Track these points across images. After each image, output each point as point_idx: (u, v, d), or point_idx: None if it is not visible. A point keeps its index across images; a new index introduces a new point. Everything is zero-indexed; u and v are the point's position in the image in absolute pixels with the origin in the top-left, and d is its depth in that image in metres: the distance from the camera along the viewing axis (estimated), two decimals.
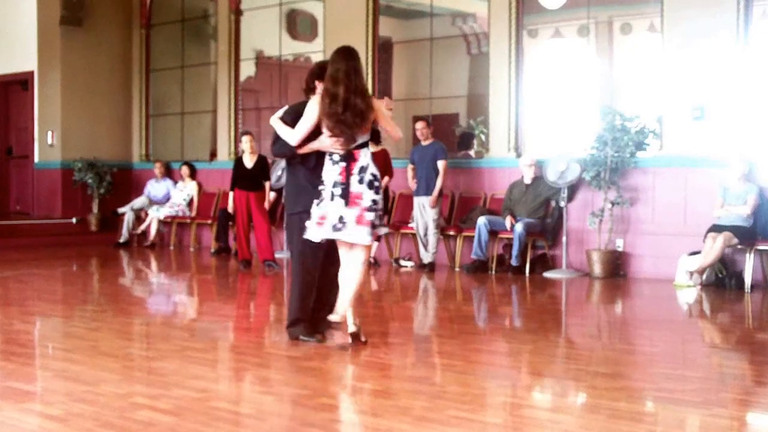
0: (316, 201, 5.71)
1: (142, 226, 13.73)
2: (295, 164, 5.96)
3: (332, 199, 5.64)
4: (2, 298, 8.39)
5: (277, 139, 5.92)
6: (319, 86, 5.88)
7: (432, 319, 7.81)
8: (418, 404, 4.46)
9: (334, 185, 5.65)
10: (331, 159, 5.72)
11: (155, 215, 13.60)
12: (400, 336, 6.78)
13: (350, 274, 5.71)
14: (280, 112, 6.00)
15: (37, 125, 14.95)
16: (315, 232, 5.68)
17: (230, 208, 10.93)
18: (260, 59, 14.10)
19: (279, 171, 12.15)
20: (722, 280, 8.97)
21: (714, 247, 8.76)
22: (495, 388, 5.01)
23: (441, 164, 10.60)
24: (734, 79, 9.33)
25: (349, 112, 5.62)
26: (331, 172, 5.69)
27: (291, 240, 6.11)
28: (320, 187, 5.72)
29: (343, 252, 5.78)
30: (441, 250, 10.92)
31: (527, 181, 10.41)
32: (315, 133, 5.78)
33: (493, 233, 10.32)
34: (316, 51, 13.03)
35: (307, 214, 5.76)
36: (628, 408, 4.46)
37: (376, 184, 5.71)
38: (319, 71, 5.98)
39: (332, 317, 5.71)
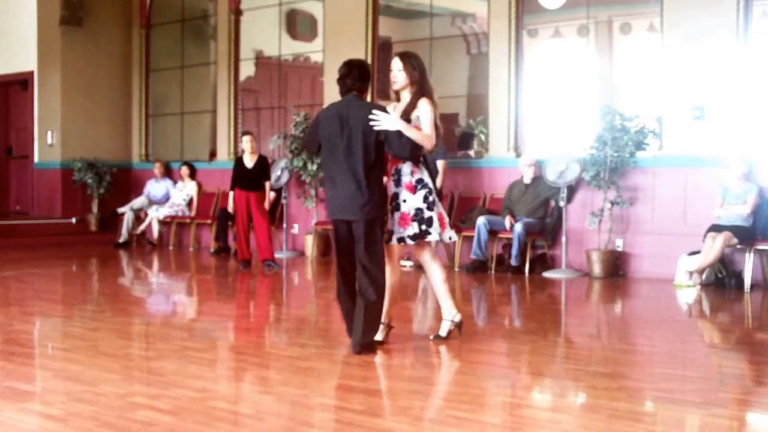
0: (424, 203, 5.78)
1: (142, 226, 13.73)
2: (381, 168, 5.78)
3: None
4: (2, 298, 8.40)
5: (401, 141, 5.63)
6: (367, 89, 5.94)
7: (431, 320, 7.80)
8: (416, 404, 4.47)
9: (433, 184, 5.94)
10: (423, 162, 5.87)
11: (155, 215, 13.61)
12: (398, 336, 6.78)
13: (437, 270, 6.05)
14: (397, 115, 5.75)
15: (36, 125, 14.95)
16: (441, 232, 5.88)
17: (230, 208, 10.93)
18: (260, 59, 14.10)
19: (279, 171, 12.17)
20: (722, 280, 8.97)
21: (714, 247, 8.76)
22: (494, 388, 5.02)
23: (440, 164, 10.59)
24: (734, 78, 9.33)
25: None
26: (426, 174, 5.87)
27: (383, 244, 5.78)
28: (424, 190, 5.79)
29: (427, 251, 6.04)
30: (440, 250, 10.91)
31: (527, 180, 10.41)
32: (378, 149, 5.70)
33: (492, 233, 10.32)
34: (316, 51, 13.03)
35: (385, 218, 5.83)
36: (628, 408, 4.46)
37: None
38: (368, 75, 5.93)
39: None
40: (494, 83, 11.00)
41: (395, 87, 5.92)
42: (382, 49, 12.33)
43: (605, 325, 7.69)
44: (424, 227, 5.81)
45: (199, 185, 13.95)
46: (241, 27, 13.83)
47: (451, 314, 6.09)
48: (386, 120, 5.58)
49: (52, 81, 14.60)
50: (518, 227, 10.01)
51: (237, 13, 13.78)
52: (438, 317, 7.83)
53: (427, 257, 6.06)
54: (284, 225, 12.52)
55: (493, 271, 10.30)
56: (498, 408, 4.65)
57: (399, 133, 5.59)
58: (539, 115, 11.09)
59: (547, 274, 10.04)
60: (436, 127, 5.80)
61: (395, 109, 5.93)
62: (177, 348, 5.86)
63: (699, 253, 8.97)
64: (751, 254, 8.85)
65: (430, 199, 5.83)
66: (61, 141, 14.55)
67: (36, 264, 11.43)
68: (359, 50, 12.07)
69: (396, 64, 5.89)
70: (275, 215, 12.33)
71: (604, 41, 11.19)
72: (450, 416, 4.22)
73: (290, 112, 12.87)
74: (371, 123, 5.57)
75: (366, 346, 5.61)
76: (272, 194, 11.17)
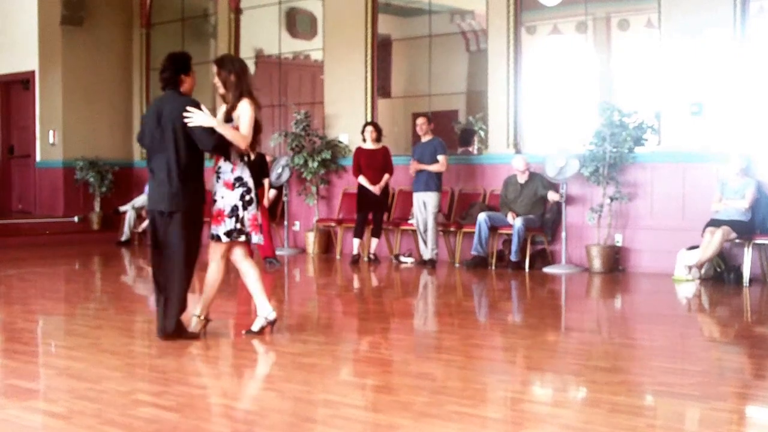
0: (240, 201, 5.97)
1: (143, 225, 13.76)
2: (199, 163, 6.14)
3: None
4: (5, 297, 8.43)
5: (204, 132, 5.81)
6: (187, 80, 5.93)
7: (432, 315, 7.84)
8: (418, 399, 4.49)
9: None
10: (247, 161, 6.02)
11: None
12: (400, 331, 6.83)
13: (250, 269, 6.22)
14: (221, 116, 5.95)
15: (38, 124, 14.98)
16: (250, 234, 6.12)
17: None
18: (260, 58, 14.12)
19: (280, 168, 12.19)
20: (721, 275, 9.00)
21: (712, 242, 8.79)
22: (495, 383, 5.05)
23: (441, 159, 10.64)
24: (732, 74, 9.34)
25: None
26: (247, 173, 6.04)
27: (197, 240, 6.14)
28: (242, 189, 5.97)
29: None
30: (441, 246, 10.95)
31: (521, 181, 10.41)
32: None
33: (492, 229, 10.34)
34: (316, 49, 13.06)
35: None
36: (628, 402, 4.49)
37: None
38: (185, 66, 5.95)
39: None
40: (493, 80, 11.02)
41: (219, 92, 6.00)
42: (382, 46, 12.36)
43: (605, 320, 7.72)
44: (238, 225, 5.94)
45: None
46: (241, 26, 13.86)
47: (265, 311, 6.08)
48: (198, 116, 5.71)
49: (53, 80, 14.62)
50: (518, 223, 10.04)
51: (237, 11, 13.80)
52: (439, 312, 7.88)
53: (238, 256, 6.15)
54: (285, 222, 12.55)
55: (493, 267, 10.33)
56: (499, 403, 4.68)
57: (209, 128, 5.74)
58: (538, 112, 11.10)
59: (547, 270, 10.06)
60: (257, 127, 5.88)
61: (222, 110, 6.01)
62: (179, 345, 5.88)
63: (698, 247, 9.00)
64: (750, 248, 8.87)
65: (247, 198, 5.94)
66: (62, 140, 14.58)
67: (39, 262, 11.46)
68: (359, 48, 12.09)
69: (214, 70, 5.99)
70: (276, 212, 12.36)
71: (602, 38, 11.20)
72: (451, 411, 4.25)
73: (290, 110, 12.89)
74: (185, 118, 5.72)
75: (171, 334, 5.83)
76: (272, 192, 11.18)
